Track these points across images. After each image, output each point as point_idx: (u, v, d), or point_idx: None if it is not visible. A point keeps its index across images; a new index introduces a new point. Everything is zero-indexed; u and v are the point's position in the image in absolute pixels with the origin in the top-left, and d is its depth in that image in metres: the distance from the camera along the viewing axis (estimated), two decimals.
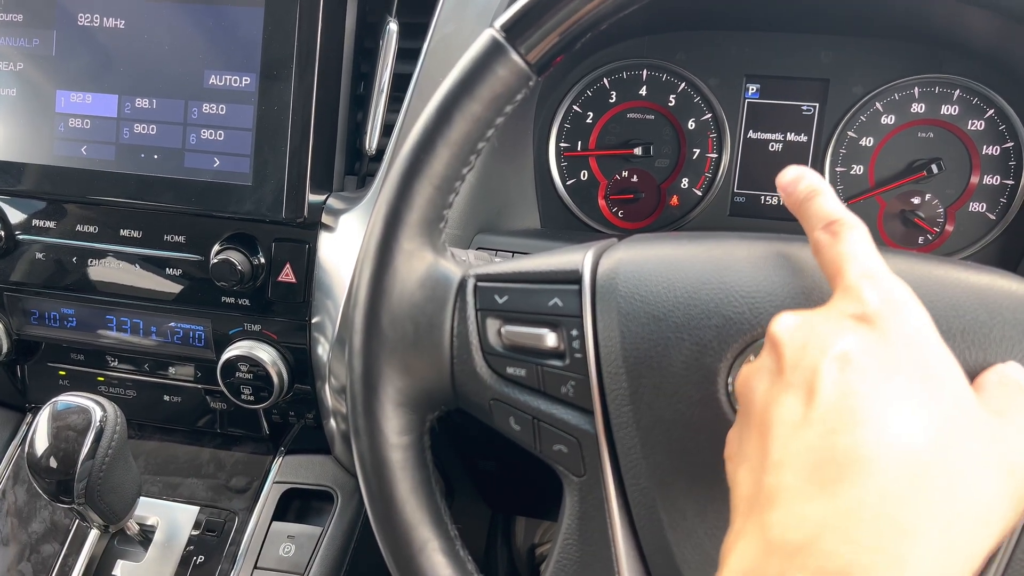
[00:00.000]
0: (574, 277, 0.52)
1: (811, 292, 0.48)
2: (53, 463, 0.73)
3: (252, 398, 0.81)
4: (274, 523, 0.86)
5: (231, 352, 0.80)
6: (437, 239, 0.54)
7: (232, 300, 0.80)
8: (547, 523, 1.50)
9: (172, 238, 0.80)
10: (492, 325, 0.53)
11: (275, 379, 0.80)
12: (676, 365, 0.49)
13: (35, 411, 0.96)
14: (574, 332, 0.51)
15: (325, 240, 0.79)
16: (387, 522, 0.53)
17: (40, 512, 0.89)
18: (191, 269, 0.80)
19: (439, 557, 0.53)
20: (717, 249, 0.52)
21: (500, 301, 0.53)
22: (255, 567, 0.84)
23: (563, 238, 0.85)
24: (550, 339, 0.52)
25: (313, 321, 0.80)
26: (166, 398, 0.89)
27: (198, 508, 0.88)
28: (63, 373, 0.91)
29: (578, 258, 0.53)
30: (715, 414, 0.48)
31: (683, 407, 0.49)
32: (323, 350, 0.80)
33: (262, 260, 0.78)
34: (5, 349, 0.87)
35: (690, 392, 0.48)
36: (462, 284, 0.54)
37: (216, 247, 0.79)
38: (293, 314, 0.80)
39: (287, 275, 0.79)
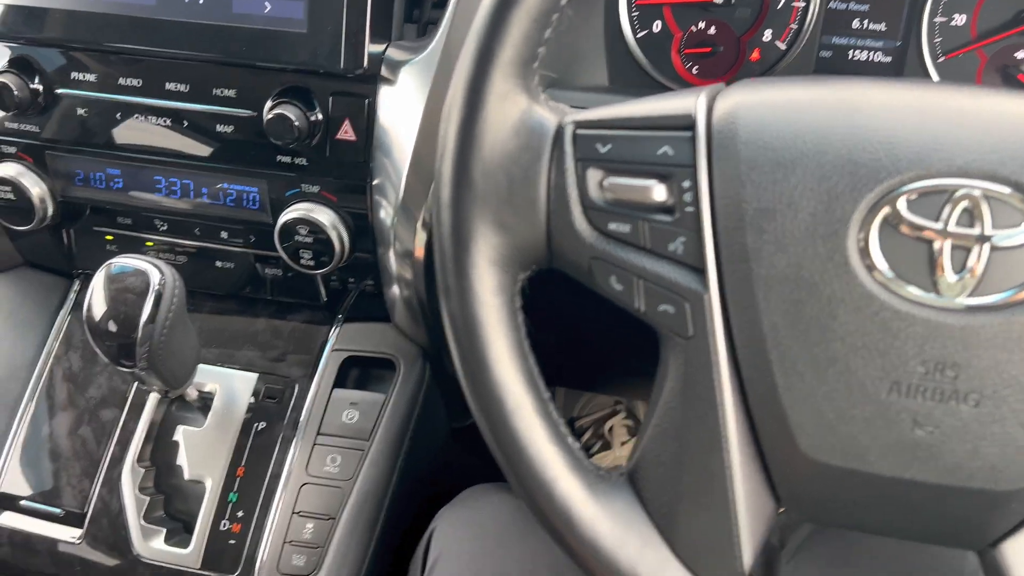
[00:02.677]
0: (686, 123, 0.48)
1: (955, 140, 0.43)
2: (113, 327, 0.70)
3: (312, 263, 0.78)
4: (335, 390, 0.84)
5: (289, 215, 0.77)
6: (531, 81, 0.49)
7: (288, 159, 0.76)
8: (588, 396, 1.50)
9: (222, 92, 0.75)
10: (593, 177, 0.49)
11: (336, 243, 0.76)
12: (803, 217, 0.45)
13: (83, 277, 0.94)
14: (686, 184, 0.47)
15: (385, 95, 0.73)
16: (480, 383, 0.51)
17: (96, 378, 0.88)
18: (243, 126, 0.76)
19: (533, 418, 0.51)
20: (847, 92, 0.47)
21: (602, 150, 0.49)
22: (318, 432, 0.83)
23: (634, 96, 0.79)
24: (658, 192, 0.48)
25: (374, 183, 0.75)
26: (218, 264, 0.86)
27: (256, 375, 0.86)
28: (110, 238, 0.88)
29: (690, 102, 0.48)
30: (844, 270, 0.44)
31: (808, 263, 0.45)
32: (385, 214, 0.76)
33: (319, 116, 0.73)
34: (50, 212, 0.84)
35: (817, 247, 0.45)
36: (559, 132, 0.49)
37: (269, 102, 0.74)
38: (353, 175, 0.75)
39: (346, 132, 0.74)
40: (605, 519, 0.51)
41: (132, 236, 0.87)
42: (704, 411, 0.49)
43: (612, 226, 0.49)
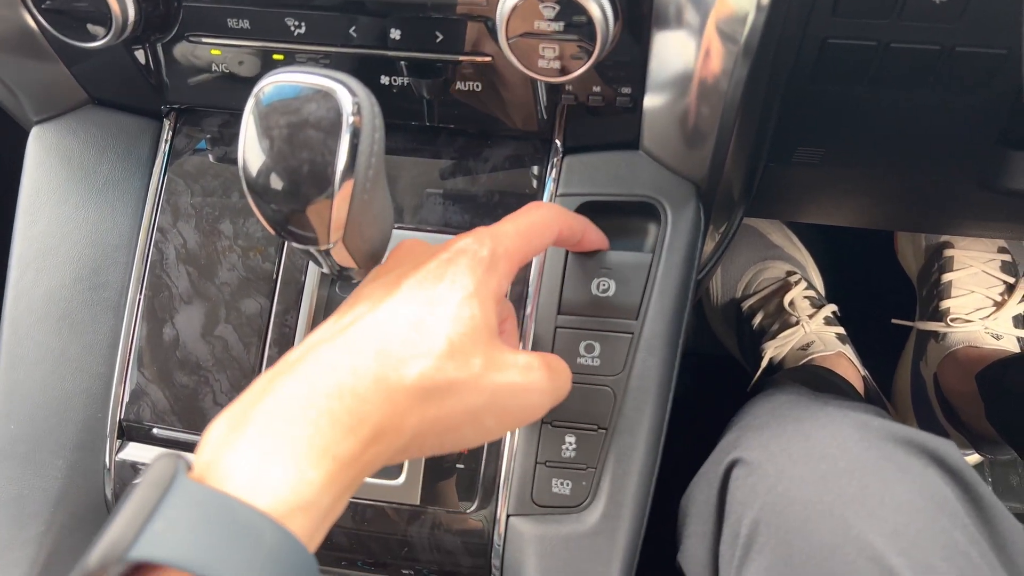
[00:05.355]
0: None
1: None
2: (289, 184, 0.45)
3: (557, 65, 0.51)
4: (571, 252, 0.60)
5: None
6: None
7: None
8: (751, 272, 1.25)
9: None
10: None
11: (599, 26, 0.49)
12: None
13: (176, 115, 0.67)
14: None
15: None
16: None
17: (225, 256, 0.64)
18: None
19: None
20: None
21: None
22: (559, 312, 0.59)
23: None
24: None
25: None
26: (384, 81, 0.59)
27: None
28: (216, 52, 0.60)
29: None
30: None
31: None
32: None
33: None
34: (132, 17, 0.55)
35: None
36: None
37: None
38: None
39: None
40: None
41: (250, 47, 0.59)
42: None
43: None
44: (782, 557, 0.52)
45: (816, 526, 0.52)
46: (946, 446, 0.57)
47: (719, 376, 1.35)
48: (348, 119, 0.44)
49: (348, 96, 0.44)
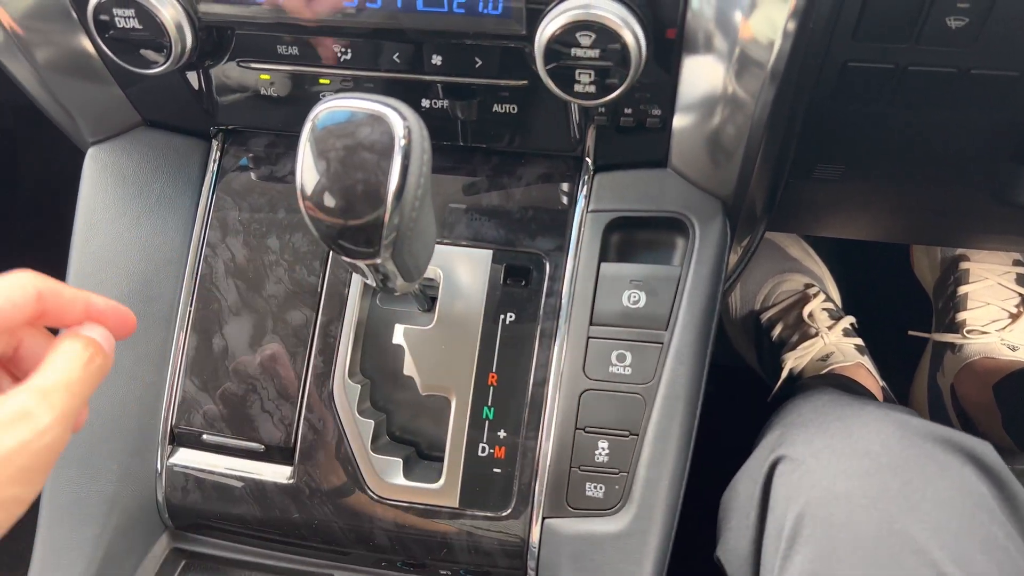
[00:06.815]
0: None
1: None
2: (344, 202, 0.48)
3: (592, 90, 0.54)
4: (603, 265, 0.63)
5: (558, 18, 0.51)
6: None
7: None
8: (770, 284, 1.28)
9: None
10: None
11: (632, 53, 0.52)
12: None
13: (224, 136, 0.70)
14: None
15: None
16: None
17: (272, 270, 0.67)
18: None
19: None
20: None
21: None
22: (591, 323, 0.62)
23: None
24: None
25: None
26: (424, 104, 0.62)
27: (490, 252, 0.64)
28: (265, 77, 0.63)
29: None
30: None
31: None
32: (704, 3, 0.51)
33: None
34: (189, 44, 0.58)
35: None
36: None
37: None
38: None
39: None
40: None
41: (298, 72, 0.62)
42: None
43: None
44: (827, 549, 0.54)
45: (860, 520, 0.54)
46: (982, 446, 0.59)
47: (737, 387, 1.37)
48: (400, 142, 0.47)
49: (399, 120, 0.47)
